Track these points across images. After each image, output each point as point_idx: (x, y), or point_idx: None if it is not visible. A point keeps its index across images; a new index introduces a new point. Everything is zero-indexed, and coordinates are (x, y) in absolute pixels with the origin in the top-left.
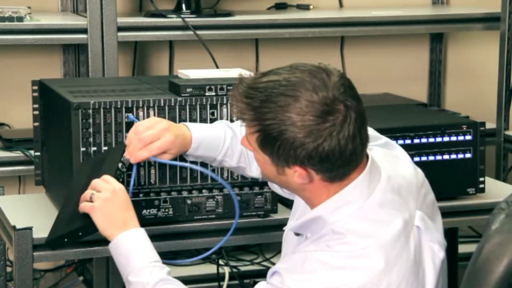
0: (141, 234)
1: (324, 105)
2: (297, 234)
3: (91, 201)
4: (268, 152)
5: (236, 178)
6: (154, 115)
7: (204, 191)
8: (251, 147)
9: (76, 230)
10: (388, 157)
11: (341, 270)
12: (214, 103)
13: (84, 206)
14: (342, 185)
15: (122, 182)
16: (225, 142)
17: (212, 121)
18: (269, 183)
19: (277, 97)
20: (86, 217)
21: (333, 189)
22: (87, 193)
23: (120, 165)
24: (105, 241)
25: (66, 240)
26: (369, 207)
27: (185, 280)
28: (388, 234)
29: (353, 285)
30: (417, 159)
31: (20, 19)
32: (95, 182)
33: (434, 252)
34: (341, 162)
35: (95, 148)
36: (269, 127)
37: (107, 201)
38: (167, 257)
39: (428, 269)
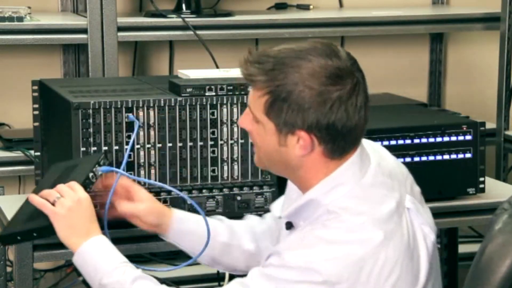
0: (105, 240)
1: (337, 69)
2: (288, 228)
3: (53, 204)
4: (274, 116)
5: (236, 178)
6: (154, 115)
7: (204, 191)
8: (250, 125)
9: (32, 230)
10: (372, 147)
11: (339, 244)
12: (214, 103)
13: (45, 206)
14: (339, 164)
15: (89, 193)
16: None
17: (212, 121)
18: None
19: (290, 60)
20: (44, 219)
21: (331, 167)
22: (52, 193)
23: (91, 175)
24: None
25: (19, 238)
26: (361, 188)
27: (185, 280)
28: (382, 212)
29: (353, 257)
30: (417, 159)
31: (20, 19)
32: (60, 187)
33: (426, 234)
34: (345, 132)
35: (95, 148)
36: (279, 88)
37: (71, 210)
38: (166, 257)
39: (422, 252)
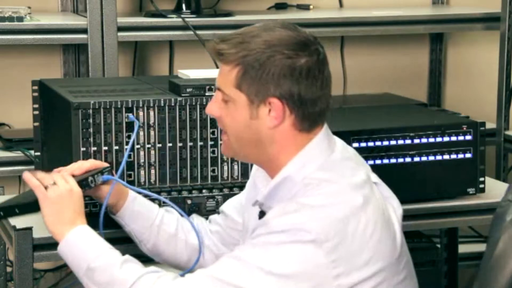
0: (91, 229)
1: (304, 38)
2: (261, 217)
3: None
4: (246, 87)
5: (236, 178)
6: (154, 115)
7: (204, 191)
8: (218, 110)
9: (14, 206)
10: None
11: (322, 207)
12: None
13: (38, 188)
14: (308, 139)
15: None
16: (159, 209)
17: (212, 121)
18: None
19: (257, 32)
20: (31, 198)
21: (300, 140)
22: (47, 178)
23: (90, 179)
24: None
25: (2, 214)
26: (333, 162)
27: None
28: (356, 180)
29: (337, 216)
30: (417, 159)
31: (20, 19)
32: (56, 175)
33: (394, 207)
34: (314, 100)
35: (95, 148)
36: (249, 58)
37: (61, 197)
38: None
39: (394, 221)
